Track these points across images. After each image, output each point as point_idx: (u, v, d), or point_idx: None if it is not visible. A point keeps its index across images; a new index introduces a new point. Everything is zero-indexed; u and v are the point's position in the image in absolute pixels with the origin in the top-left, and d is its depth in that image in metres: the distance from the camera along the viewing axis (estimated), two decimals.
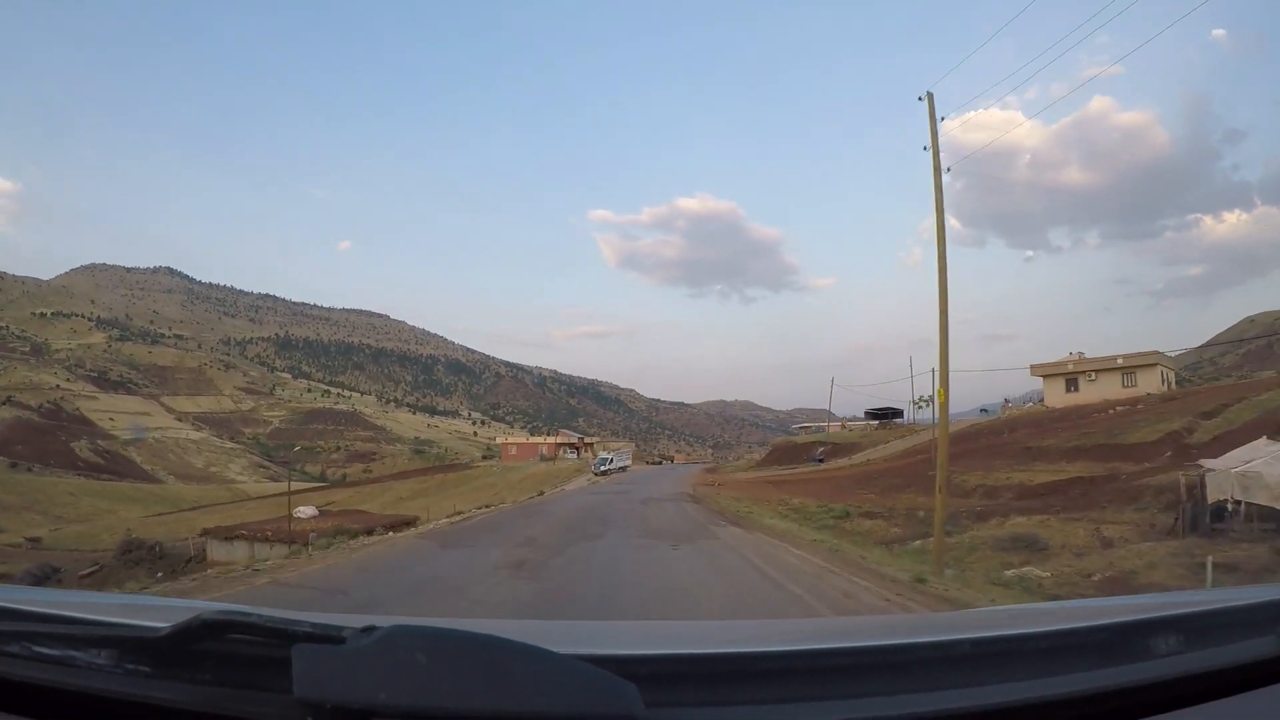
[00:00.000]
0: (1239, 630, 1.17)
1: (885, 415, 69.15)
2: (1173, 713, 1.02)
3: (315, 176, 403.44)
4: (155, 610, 1.38)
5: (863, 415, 75.67)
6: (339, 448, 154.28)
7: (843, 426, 73.22)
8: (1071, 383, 45.36)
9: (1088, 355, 47.51)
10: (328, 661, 0.86)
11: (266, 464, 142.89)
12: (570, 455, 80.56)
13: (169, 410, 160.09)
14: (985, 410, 63.43)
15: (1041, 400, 48.39)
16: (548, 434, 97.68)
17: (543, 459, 73.41)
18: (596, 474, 52.26)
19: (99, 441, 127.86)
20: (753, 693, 0.99)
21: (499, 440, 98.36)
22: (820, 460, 52.72)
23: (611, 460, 57.21)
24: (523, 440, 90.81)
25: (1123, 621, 1.17)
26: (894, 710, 0.98)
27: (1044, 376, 47.34)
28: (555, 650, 0.88)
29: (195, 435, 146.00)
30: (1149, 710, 1.03)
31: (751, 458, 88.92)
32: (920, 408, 66.41)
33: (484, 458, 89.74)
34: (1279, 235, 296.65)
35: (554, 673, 0.85)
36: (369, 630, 0.88)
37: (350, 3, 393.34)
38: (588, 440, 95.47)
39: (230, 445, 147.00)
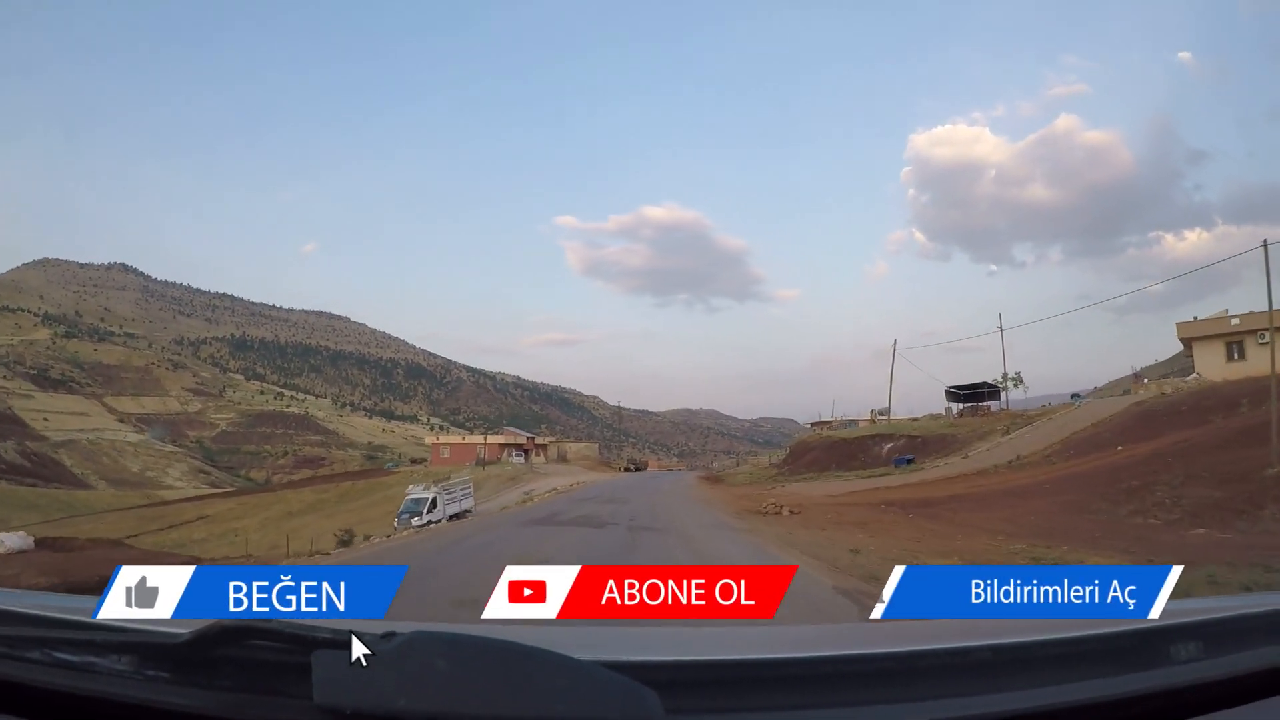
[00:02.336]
0: (1258, 636, 1.17)
1: (977, 396, 51.44)
2: (1193, 719, 1.03)
3: (282, 178, 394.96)
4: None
5: (874, 410, 59.43)
6: (286, 452, 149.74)
7: (873, 419, 58.05)
8: (1234, 347, 34.45)
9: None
10: (348, 667, 0.86)
11: (208, 469, 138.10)
12: (517, 458, 67.29)
13: (111, 411, 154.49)
14: (1078, 396, 49.99)
15: (1190, 372, 37.15)
16: (488, 433, 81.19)
17: (481, 463, 59.85)
18: (402, 528, 28.12)
19: (28, 443, 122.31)
20: (772, 699, 0.99)
21: (428, 440, 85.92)
22: (909, 461, 37.44)
23: (432, 502, 29.60)
24: (457, 440, 77.77)
25: (1142, 628, 1.16)
26: (914, 717, 0.98)
27: (1193, 340, 36.75)
28: (575, 656, 0.88)
29: (134, 438, 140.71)
30: (1170, 716, 1.03)
31: (759, 461, 74.24)
32: (1005, 388, 49.80)
33: (414, 461, 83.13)
34: (1236, 252, 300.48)
35: (574, 679, 0.85)
36: (389, 636, 0.89)
37: (318, 6, 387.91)
38: (539, 441, 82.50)
39: (171, 449, 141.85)
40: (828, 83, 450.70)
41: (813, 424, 72.70)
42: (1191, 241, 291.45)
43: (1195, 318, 37.47)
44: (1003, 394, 49.91)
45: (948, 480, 28.05)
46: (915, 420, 51.07)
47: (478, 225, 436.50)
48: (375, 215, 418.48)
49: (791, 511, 20.68)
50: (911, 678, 1.03)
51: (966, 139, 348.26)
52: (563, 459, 76.30)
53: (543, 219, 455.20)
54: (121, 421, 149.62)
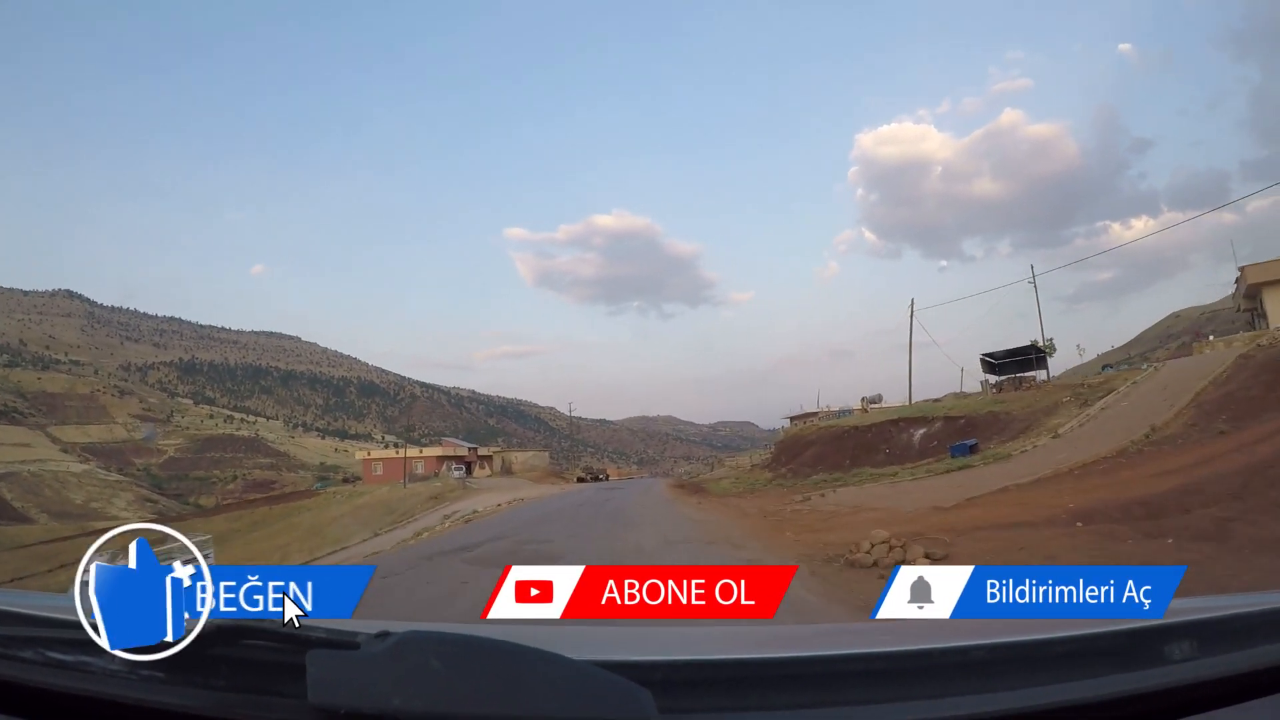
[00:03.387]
0: (1254, 635, 1.14)
1: (1021, 364, 43.65)
2: (1188, 718, 1.02)
3: (229, 199, 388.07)
4: None
5: (865, 398, 54.70)
6: (235, 476, 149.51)
7: (864, 408, 52.21)
8: None
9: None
10: (342, 667, 0.87)
11: (155, 497, 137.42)
12: (457, 472, 60.16)
13: (55, 441, 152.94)
14: (1110, 366, 45.56)
15: (1253, 323, 33.53)
16: (424, 446, 76.83)
17: (414, 480, 54.77)
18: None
19: None
20: (767, 699, 0.99)
21: (358, 455, 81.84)
22: (971, 448, 29.33)
23: None
24: (390, 455, 73.21)
25: (1138, 627, 1.14)
26: (909, 716, 0.97)
27: (1264, 285, 31.85)
28: (569, 656, 0.88)
29: (78, 468, 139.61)
30: (1165, 716, 1.02)
31: (739, 464, 65.33)
32: (1047, 352, 43.70)
33: (345, 480, 79.03)
34: (1184, 240, 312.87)
35: (568, 678, 0.85)
36: (383, 636, 0.89)
37: (265, 27, 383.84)
38: (482, 452, 77.94)
39: (117, 478, 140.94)
40: (773, 85, 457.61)
41: (793, 417, 64.55)
42: (1138, 229, 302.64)
43: (1239, 267, 34.28)
44: (1049, 360, 43.68)
45: (1084, 470, 18.87)
46: (938, 401, 43.30)
47: (428, 240, 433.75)
48: (324, 234, 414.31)
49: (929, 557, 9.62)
50: (908, 677, 1.03)
51: (913, 137, 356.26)
52: (508, 471, 70.81)
53: (492, 231, 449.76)
54: (65, 452, 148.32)
